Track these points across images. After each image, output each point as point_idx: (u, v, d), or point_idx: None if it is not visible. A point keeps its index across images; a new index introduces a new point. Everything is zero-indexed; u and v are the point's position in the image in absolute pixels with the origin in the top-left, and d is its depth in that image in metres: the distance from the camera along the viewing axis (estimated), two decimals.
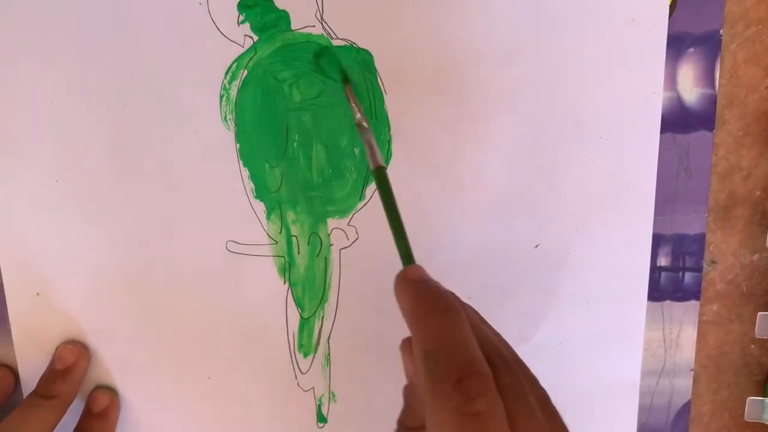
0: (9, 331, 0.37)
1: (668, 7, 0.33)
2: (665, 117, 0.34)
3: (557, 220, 0.35)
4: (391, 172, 0.34)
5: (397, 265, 0.35)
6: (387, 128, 0.34)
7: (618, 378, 0.38)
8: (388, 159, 0.35)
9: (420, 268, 0.25)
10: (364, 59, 0.33)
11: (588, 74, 0.34)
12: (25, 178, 0.35)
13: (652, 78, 0.34)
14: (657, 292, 0.37)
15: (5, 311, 0.36)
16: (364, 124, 0.31)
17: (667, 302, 0.37)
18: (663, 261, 0.36)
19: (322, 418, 0.38)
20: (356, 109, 0.31)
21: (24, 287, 0.36)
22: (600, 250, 0.36)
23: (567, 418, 0.38)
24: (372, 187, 0.35)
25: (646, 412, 0.39)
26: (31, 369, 0.37)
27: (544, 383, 0.37)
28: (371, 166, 0.29)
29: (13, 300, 0.36)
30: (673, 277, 0.37)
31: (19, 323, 0.36)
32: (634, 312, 0.37)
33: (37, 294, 0.36)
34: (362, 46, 0.33)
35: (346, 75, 0.33)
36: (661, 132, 0.34)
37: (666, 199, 0.35)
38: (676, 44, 0.34)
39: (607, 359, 0.37)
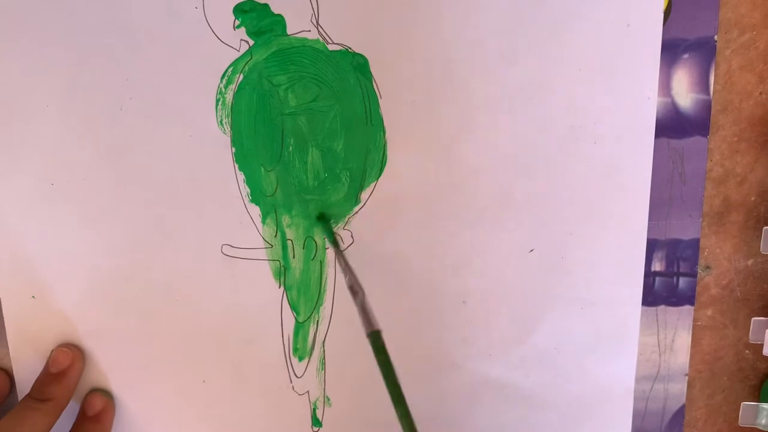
0: (4, 334, 0.36)
1: (663, 13, 0.33)
2: (660, 122, 0.34)
3: (552, 224, 0.35)
4: (386, 177, 0.34)
5: (393, 270, 0.35)
6: (382, 132, 0.34)
7: (612, 382, 0.38)
8: (383, 163, 0.34)
9: None
10: (360, 63, 0.33)
11: (583, 79, 0.33)
12: (21, 181, 0.34)
13: (647, 83, 0.33)
14: (651, 296, 0.37)
15: (0, 314, 0.36)
16: (356, 288, 0.30)
17: (662, 307, 0.37)
18: (657, 266, 0.36)
19: (317, 422, 0.38)
20: (347, 273, 0.31)
21: (19, 290, 0.36)
22: (595, 254, 0.36)
23: (561, 423, 0.39)
24: (367, 192, 0.35)
25: (640, 416, 0.39)
26: (26, 372, 0.37)
27: (539, 388, 0.38)
28: (365, 331, 0.28)
29: (8, 303, 0.36)
30: (667, 282, 0.37)
31: (14, 326, 0.36)
32: (628, 316, 0.37)
33: (33, 297, 0.36)
34: (357, 50, 0.33)
35: (335, 241, 0.33)
36: (656, 137, 0.34)
37: (660, 204, 0.35)
38: (671, 50, 0.33)
39: (601, 364, 0.37)
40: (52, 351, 0.36)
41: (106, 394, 0.37)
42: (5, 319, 0.36)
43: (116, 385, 0.37)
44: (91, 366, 0.37)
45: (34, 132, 0.34)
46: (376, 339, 0.27)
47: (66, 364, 0.36)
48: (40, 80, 0.33)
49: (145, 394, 0.37)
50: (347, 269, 0.32)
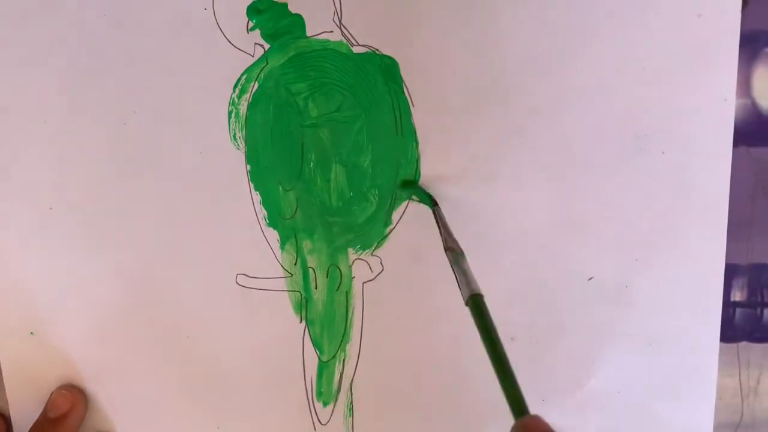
0: (0, 374, 0.35)
1: (741, 1, 0.31)
2: (738, 128, 0.33)
3: (614, 248, 0.34)
4: None
5: (428, 301, 0.34)
6: (414, 144, 0.33)
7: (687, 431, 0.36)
8: (416, 179, 0.33)
9: (540, 419, 0.23)
10: (388, 67, 0.32)
11: (648, 80, 0.32)
12: (17, 206, 0.33)
13: (723, 83, 0.32)
14: (731, 331, 0.36)
15: None
16: (455, 248, 0.29)
17: (744, 343, 0.36)
18: (738, 295, 0.36)
19: None
20: (446, 235, 0.30)
21: (17, 325, 0.35)
22: (664, 282, 0.34)
23: None
24: (399, 212, 0.34)
25: None
26: (24, 415, 0.36)
27: None
28: (464, 295, 0.27)
29: (4, 339, 0.35)
30: (749, 314, 0.36)
31: (11, 365, 0.35)
32: (704, 355, 0.35)
33: (31, 333, 0.35)
34: (386, 52, 0.32)
35: (433, 200, 0.32)
36: (734, 145, 0.33)
37: (741, 224, 0.34)
38: (750, 44, 0.33)
39: (673, 410, 0.36)
40: (51, 393, 0.35)
41: None
42: (1, 358, 0.35)
43: (122, 430, 0.36)
44: (94, 410, 0.36)
45: (29, 151, 0.33)
46: (477, 304, 0.26)
47: (66, 408, 0.34)
48: (36, 94, 0.33)
49: None
50: (444, 228, 0.30)
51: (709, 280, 0.34)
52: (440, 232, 0.30)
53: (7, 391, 0.35)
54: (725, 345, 0.35)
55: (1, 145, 0.33)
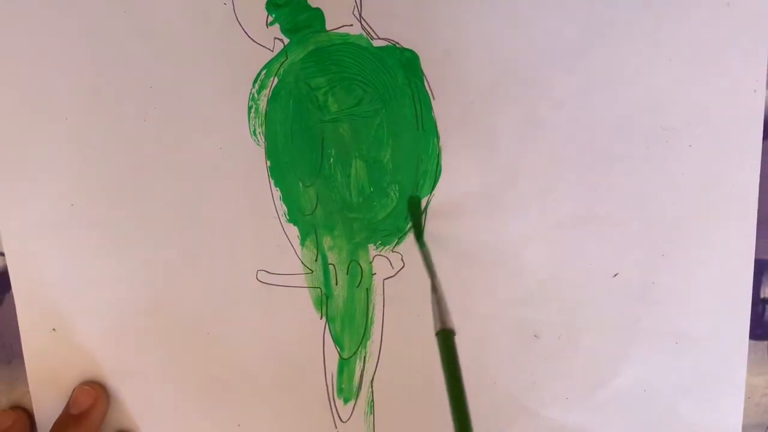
0: (24, 371, 0.35)
1: None
2: None
3: (639, 244, 0.33)
4: (441, 190, 0.33)
5: (450, 300, 0.33)
6: (436, 138, 0.32)
7: (714, 431, 0.35)
8: (437, 175, 0.33)
9: None
10: (409, 60, 0.32)
11: (674, 71, 0.31)
12: (39, 203, 0.34)
13: (753, 74, 0.31)
14: (761, 328, 0.35)
15: (20, 349, 0.35)
16: (436, 286, 0.29)
17: None
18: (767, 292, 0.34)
19: None
20: (429, 270, 0.30)
21: (39, 322, 0.35)
22: (691, 279, 0.33)
23: None
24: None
25: None
26: (47, 411, 0.36)
27: None
28: (435, 328, 0.26)
29: (28, 336, 0.35)
30: None
31: (34, 362, 0.35)
32: (733, 352, 0.34)
33: (53, 330, 0.35)
34: (407, 45, 0.32)
35: (421, 232, 0.32)
36: (765, 138, 0.32)
37: None
38: None
39: (700, 409, 0.35)
40: (73, 390, 0.35)
41: None
42: (25, 355, 0.35)
43: (143, 427, 0.36)
44: (116, 406, 0.36)
45: (51, 147, 0.33)
46: (446, 340, 0.26)
47: (88, 404, 0.34)
48: (57, 91, 0.33)
49: None
50: (429, 265, 0.30)
51: (738, 277, 0.33)
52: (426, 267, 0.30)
53: (30, 389, 0.35)
54: (755, 343, 0.34)
55: (22, 143, 0.33)
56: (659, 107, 0.32)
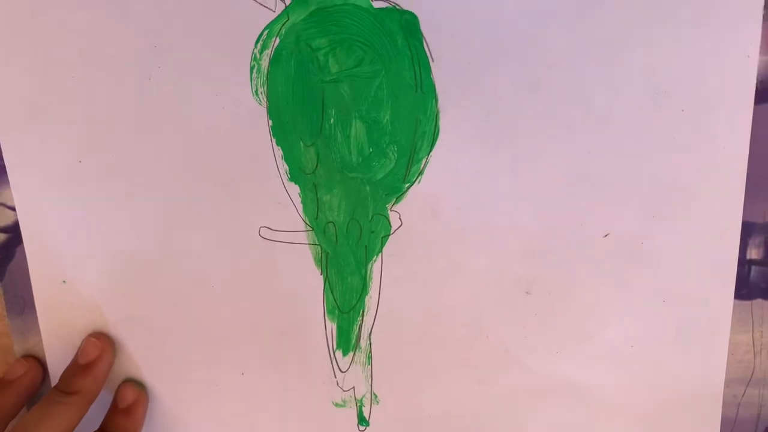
0: (37, 322, 0.36)
1: None
2: (761, 85, 0.31)
3: (630, 205, 0.33)
4: (439, 151, 0.32)
5: (446, 256, 0.34)
6: (434, 100, 0.32)
7: (698, 386, 0.36)
8: (435, 136, 0.32)
9: None
10: (408, 22, 0.31)
11: (667, 35, 0.31)
12: (48, 159, 0.34)
13: (746, 39, 0.31)
14: (746, 288, 0.34)
15: (32, 300, 0.36)
16: None
17: (758, 301, 0.35)
18: (754, 253, 0.34)
19: (363, 421, 0.37)
20: None
21: (50, 274, 0.35)
22: (680, 240, 0.33)
23: (637, 431, 0.36)
24: (417, 169, 0.33)
25: (730, 425, 0.36)
26: (59, 360, 0.37)
27: (612, 391, 0.36)
28: None
29: (39, 288, 0.36)
30: (765, 272, 0.34)
31: (46, 313, 0.36)
32: (718, 312, 0.34)
33: (64, 282, 0.35)
34: (406, 7, 0.31)
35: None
36: (756, 103, 0.31)
37: (759, 182, 0.33)
38: None
39: (685, 365, 0.35)
40: (82, 341, 0.36)
41: (139, 386, 0.36)
42: (36, 306, 0.36)
43: (149, 376, 0.37)
44: (123, 356, 0.36)
45: (57, 105, 0.33)
46: None
47: (95, 355, 0.35)
48: (63, 49, 0.32)
49: (179, 386, 0.37)
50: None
51: (726, 239, 0.33)
52: None
53: (43, 339, 0.36)
54: (739, 302, 0.34)
55: (30, 100, 0.33)
56: (653, 71, 0.31)
